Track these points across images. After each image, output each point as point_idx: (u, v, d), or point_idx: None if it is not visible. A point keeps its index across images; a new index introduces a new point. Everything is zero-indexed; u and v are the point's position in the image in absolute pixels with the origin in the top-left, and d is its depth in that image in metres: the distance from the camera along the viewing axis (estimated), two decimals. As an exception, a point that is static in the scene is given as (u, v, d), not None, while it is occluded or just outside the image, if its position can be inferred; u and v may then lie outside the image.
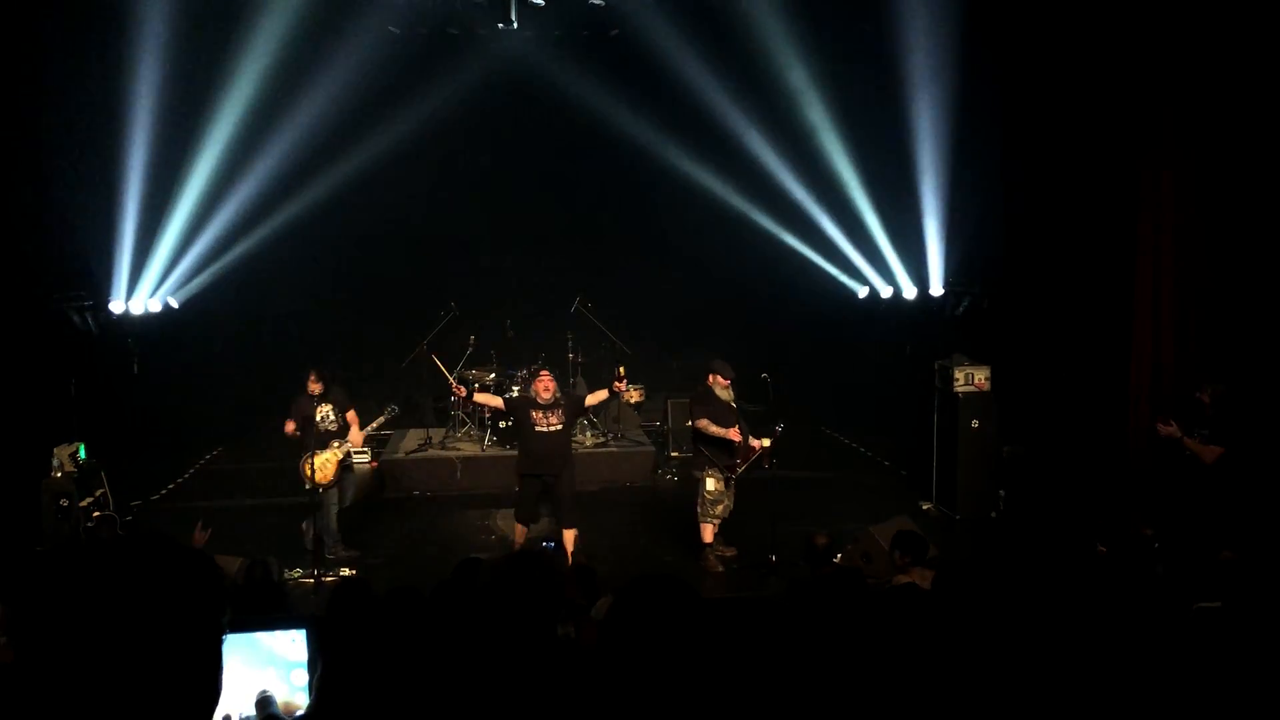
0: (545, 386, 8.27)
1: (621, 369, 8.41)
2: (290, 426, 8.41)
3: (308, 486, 8.26)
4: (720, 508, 8.45)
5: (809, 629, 2.85)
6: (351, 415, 8.63)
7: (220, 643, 1.34)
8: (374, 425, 8.77)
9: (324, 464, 8.30)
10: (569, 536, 8.38)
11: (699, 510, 8.51)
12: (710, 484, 8.42)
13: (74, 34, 9.79)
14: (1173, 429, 7.39)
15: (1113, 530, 6.62)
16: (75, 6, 9.74)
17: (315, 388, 8.40)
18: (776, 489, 8.43)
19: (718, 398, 8.47)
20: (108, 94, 10.36)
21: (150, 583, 1.28)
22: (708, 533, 8.51)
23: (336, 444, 8.39)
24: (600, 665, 2.43)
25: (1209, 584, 4.24)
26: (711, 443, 8.39)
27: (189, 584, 1.31)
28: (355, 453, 12.33)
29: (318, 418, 8.40)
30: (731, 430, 8.26)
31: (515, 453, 11.25)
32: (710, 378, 8.56)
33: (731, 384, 8.54)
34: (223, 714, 1.30)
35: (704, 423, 8.33)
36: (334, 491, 8.44)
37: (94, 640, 1.23)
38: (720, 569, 8.39)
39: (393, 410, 8.85)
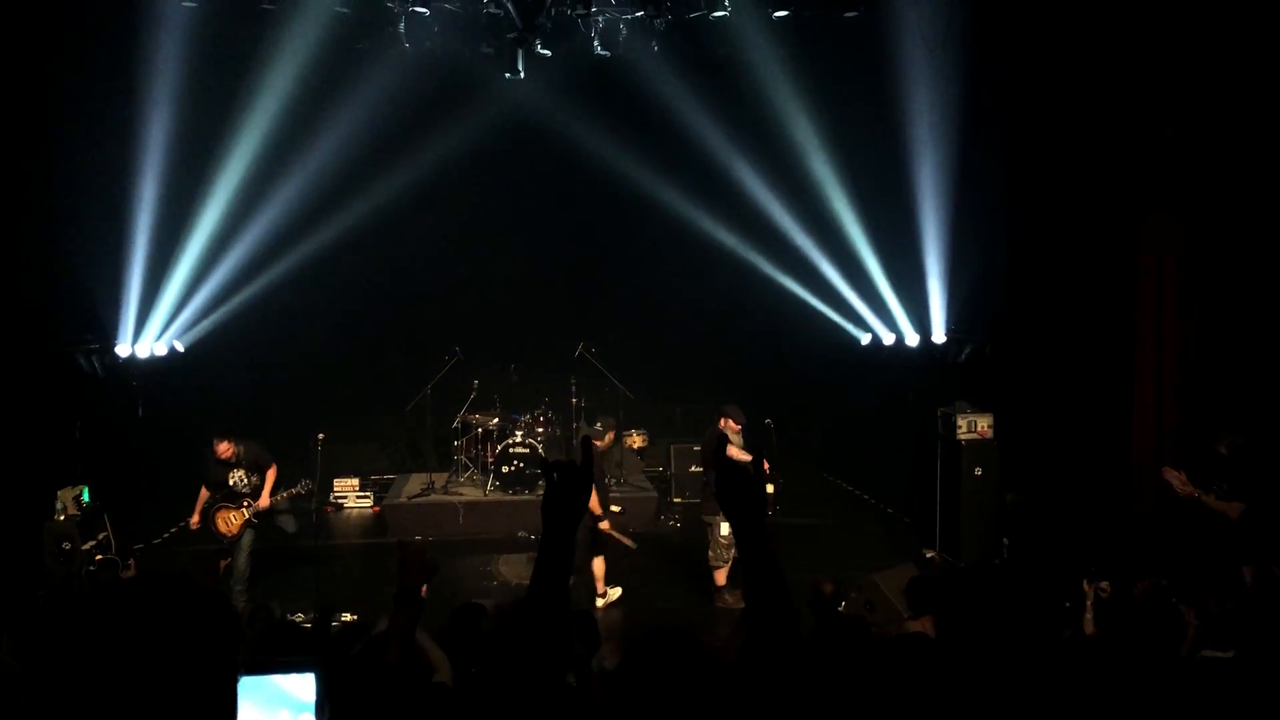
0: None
1: (766, 464, 8.74)
2: (194, 520, 8.65)
3: (219, 539, 8.64)
4: (734, 550, 8.46)
5: (815, 681, 2.84)
6: (270, 474, 8.79)
7: (235, 682, 1.35)
8: (283, 495, 8.82)
9: (229, 519, 8.60)
10: (598, 563, 8.61)
11: (712, 554, 8.52)
12: (726, 528, 8.41)
13: (83, 79, 9.89)
14: (1191, 490, 7.18)
15: (1115, 578, 6.56)
16: (85, 52, 9.87)
17: (227, 455, 8.57)
18: (779, 535, 8.39)
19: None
20: (116, 138, 10.47)
21: (166, 623, 1.29)
22: (721, 576, 8.53)
23: (247, 504, 8.62)
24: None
25: (1216, 633, 4.21)
26: None
27: (204, 624, 1.32)
28: (357, 496, 12.47)
29: (230, 482, 8.64)
30: (764, 464, 8.30)
31: (517, 498, 11.34)
32: (722, 421, 8.63)
33: (741, 431, 8.61)
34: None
35: (733, 449, 8.37)
36: (247, 539, 8.62)
37: (111, 681, 1.24)
38: (742, 605, 8.36)
39: (306, 485, 8.88)
